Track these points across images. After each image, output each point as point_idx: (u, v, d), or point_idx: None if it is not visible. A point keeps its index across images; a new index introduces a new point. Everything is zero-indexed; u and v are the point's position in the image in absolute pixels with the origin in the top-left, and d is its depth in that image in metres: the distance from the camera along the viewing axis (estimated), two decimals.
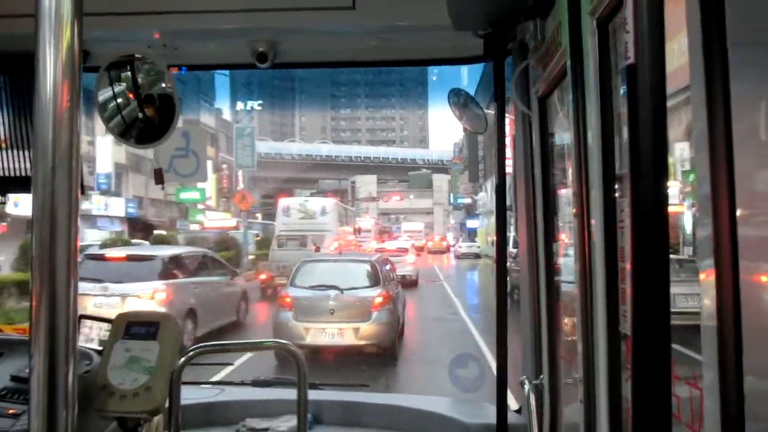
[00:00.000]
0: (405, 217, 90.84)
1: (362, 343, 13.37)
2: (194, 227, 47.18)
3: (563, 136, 2.76)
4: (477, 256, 53.42)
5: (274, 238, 33.58)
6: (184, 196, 44.62)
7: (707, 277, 1.23)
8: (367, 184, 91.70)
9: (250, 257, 33.62)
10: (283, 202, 40.40)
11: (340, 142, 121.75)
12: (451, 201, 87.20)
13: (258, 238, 42.11)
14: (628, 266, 1.88)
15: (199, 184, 36.68)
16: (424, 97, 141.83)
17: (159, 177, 3.25)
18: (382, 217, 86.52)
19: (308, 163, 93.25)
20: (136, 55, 2.95)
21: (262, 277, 25.90)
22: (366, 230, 54.50)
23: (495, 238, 3.25)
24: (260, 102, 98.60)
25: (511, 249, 11.64)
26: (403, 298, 16.62)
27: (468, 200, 74.89)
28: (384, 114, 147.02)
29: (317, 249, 30.46)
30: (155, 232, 38.60)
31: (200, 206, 52.50)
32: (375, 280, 14.51)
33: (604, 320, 1.99)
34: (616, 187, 1.97)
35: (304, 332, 13.30)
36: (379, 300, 13.80)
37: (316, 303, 13.75)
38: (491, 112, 3.22)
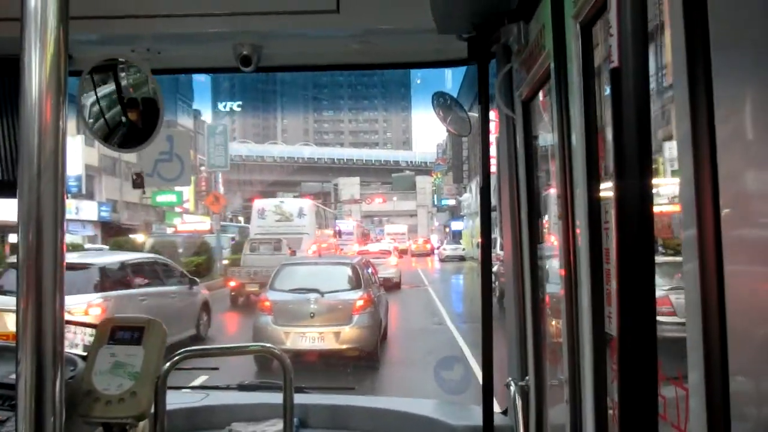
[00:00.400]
0: (388, 220, 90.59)
1: (344, 347, 13.15)
2: (172, 231, 45.40)
3: (547, 139, 2.78)
4: (462, 258, 52.54)
5: (246, 242, 31.60)
6: (161, 199, 42.71)
7: (692, 277, 1.24)
8: (350, 186, 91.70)
9: (225, 262, 31.92)
10: (258, 203, 38.79)
11: (323, 145, 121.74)
12: (435, 203, 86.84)
13: (234, 242, 40.37)
14: (613, 268, 1.90)
15: (177, 187, 35.24)
16: (407, 99, 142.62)
17: (138, 182, 3.22)
18: (365, 220, 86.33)
19: (291, 165, 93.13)
20: (120, 59, 2.93)
21: (232, 284, 24.34)
22: (348, 233, 52.91)
23: (480, 240, 3.26)
24: (240, 103, 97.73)
25: (499, 251, 11.50)
26: (386, 301, 16.33)
27: (452, 202, 74.49)
28: (367, 116, 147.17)
29: (293, 253, 29.14)
30: (130, 236, 37.04)
31: (178, 209, 50.59)
32: (356, 282, 14.29)
33: (590, 321, 2.00)
34: (601, 188, 1.99)
35: (284, 336, 13.05)
36: (360, 303, 13.57)
37: (297, 307, 13.53)
38: (474, 114, 3.23)
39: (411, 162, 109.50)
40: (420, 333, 17.90)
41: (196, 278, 17.83)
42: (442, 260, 54.76)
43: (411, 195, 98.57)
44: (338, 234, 47.84)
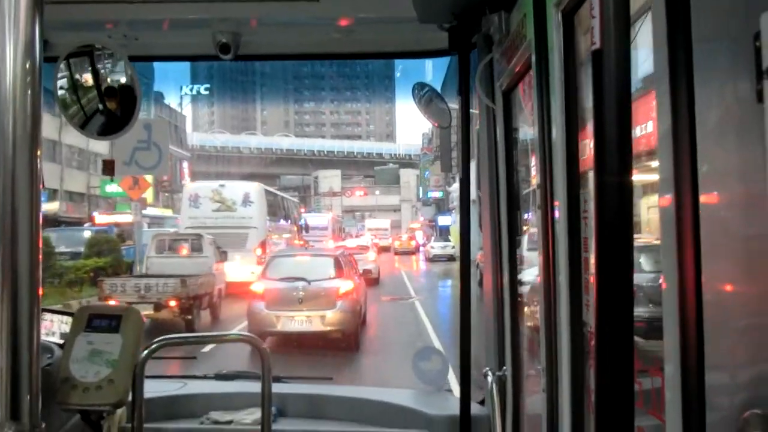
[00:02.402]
0: (371, 215, 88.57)
1: (328, 328, 14.86)
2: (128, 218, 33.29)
3: (527, 131, 2.78)
4: (452, 258, 44.56)
5: (152, 240, 22.55)
6: (110, 189, 34.42)
7: (670, 271, 1.25)
8: (330, 179, 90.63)
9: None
10: (190, 188, 30.51)
11: (304, 136, 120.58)
12: (421, 196, 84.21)
13: None
14: (591, 256, 1.91)
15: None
16: (390, 90, 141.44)
17: (109, 169, 3.20)
18: (346, 215, 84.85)
19: (268, 157, 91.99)
20: (96, 45, 2.90)
21: (112, 303, 13.92)
22: (320, 228, 44.34)
23: (459, 232, 3.26)
24: (207, 86, 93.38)
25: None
26: (364, 289, 18.14)
27: (439, 194, 71.02)
28: (349, 108, 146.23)
29: (223, 257, 21.94)
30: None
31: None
32: (339, 272, 15.94)
33: (567, 310, 2.01)
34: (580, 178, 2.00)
35: (276, 320, 14.76)
36: (342, 290, 15.27)
37: (286, 293, 15.08)
38: (455, 107, 3.23)
39: (395, 155, 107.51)
40: None
41: None
42: (429, 260, 49.41)
43: (394, 189, 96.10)
44: (304, 229, 39.03)
